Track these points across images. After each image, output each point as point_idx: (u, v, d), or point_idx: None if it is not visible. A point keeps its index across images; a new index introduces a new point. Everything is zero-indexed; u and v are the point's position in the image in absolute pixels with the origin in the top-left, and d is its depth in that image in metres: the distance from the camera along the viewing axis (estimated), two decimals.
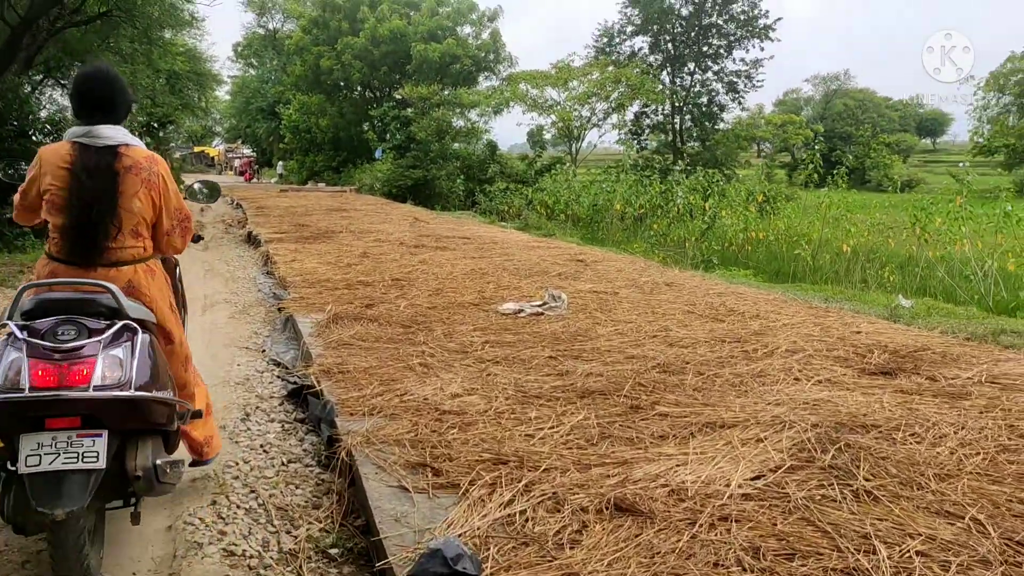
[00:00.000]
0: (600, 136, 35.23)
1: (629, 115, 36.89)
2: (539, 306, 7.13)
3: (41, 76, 25.91)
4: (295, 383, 5.40)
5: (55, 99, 30.26)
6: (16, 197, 3.27)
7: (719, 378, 4.88)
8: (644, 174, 24.30)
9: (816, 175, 19.33)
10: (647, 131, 37.84)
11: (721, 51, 37.33)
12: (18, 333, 2.65)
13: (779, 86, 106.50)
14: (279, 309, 8.17)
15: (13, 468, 2.58)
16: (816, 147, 20.81)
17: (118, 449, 2.78)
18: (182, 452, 3.43)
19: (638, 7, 37.47)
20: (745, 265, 15.89)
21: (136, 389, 2.70)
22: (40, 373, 2.57)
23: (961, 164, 42.30)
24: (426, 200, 29.43)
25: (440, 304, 7.50)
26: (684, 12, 37.51)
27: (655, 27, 37.72)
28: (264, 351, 6.77)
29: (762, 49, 36.91)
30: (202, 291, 9.96)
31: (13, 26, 15.47)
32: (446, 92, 33.57)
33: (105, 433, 2.64)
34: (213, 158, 68.17)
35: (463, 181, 31.33)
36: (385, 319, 6.74)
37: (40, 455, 2.53)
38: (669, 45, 38.00)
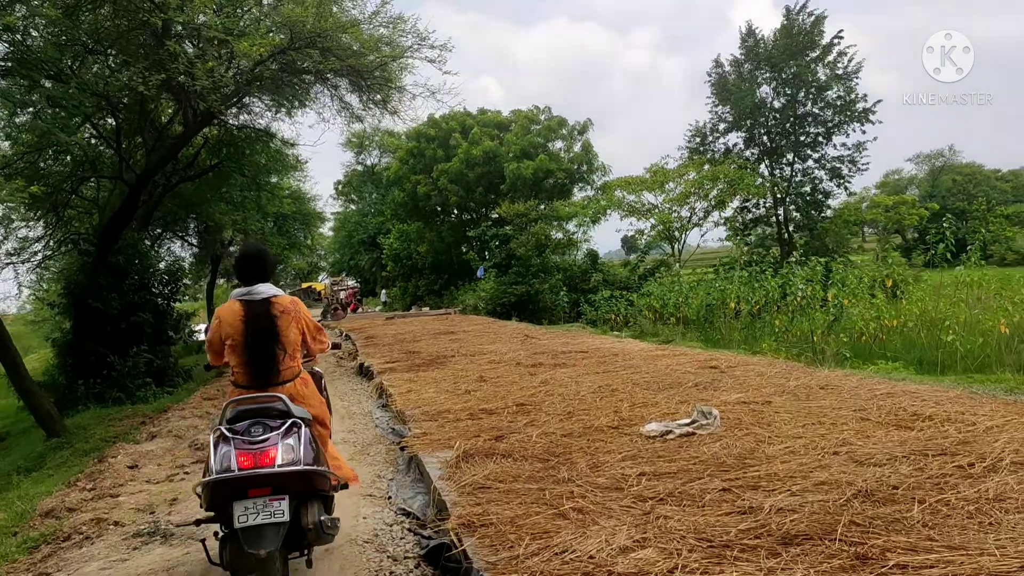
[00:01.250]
0: (702, 235, 34.45)
1: (728, 212, 36.09)
2: (688, 425, 6.32)
3: (160, 230, 27.25)
4: (431, 539, 4.71)
5: (172, 251, 31.83)
6: (208, 350, 4.70)
7: (947, 506, 3.96)
8: (755, 269, 23.34)
9: (949, 253, 18.00)
10: (751, 226, 36.85)
11: (820, 138, 36.42)
12: (227, 433, 4.01)
13: (878, 167, 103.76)
14: (400, 447, 7.60)
15: (227, 529, 3.96)
16: (945, 223, 19.50)
17: (295, 509, 4.07)
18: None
19: (728, 104, 37.19)
20: (883, 356, 14.63)
21: (304, 465, 4.03)
22: (243, 459, 3.88)
23: None
24: (531, 315, 29.07)
25: (575, 430, 6.78)
26: (777, 104, 36.97)
27: (748, 122, 37.26)
28: (390, 498, 6.16)
29: (864, 132, 35.81)
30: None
31: (131, 185, 16.11)
32: (542, 207, 33.65)
33: (287, 497, 3.94)
34: (320, 292, 70.37)
35: (566, 293, 30.94)
36: (519, 453, 6.05)
37: (247, 515, 3.83)
38: (764, 138, 37.33)
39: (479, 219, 41.90)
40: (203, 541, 4.38)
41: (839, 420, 6.33)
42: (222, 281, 40.29)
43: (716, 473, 4.98)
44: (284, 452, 3.98)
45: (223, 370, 4.55)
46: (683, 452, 5.65)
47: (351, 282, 62.28)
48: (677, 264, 32.33)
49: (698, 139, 39.01)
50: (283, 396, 4.27)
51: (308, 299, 67.72)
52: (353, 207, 63.27)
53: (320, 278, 75.74)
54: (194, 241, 31.99)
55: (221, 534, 4.07)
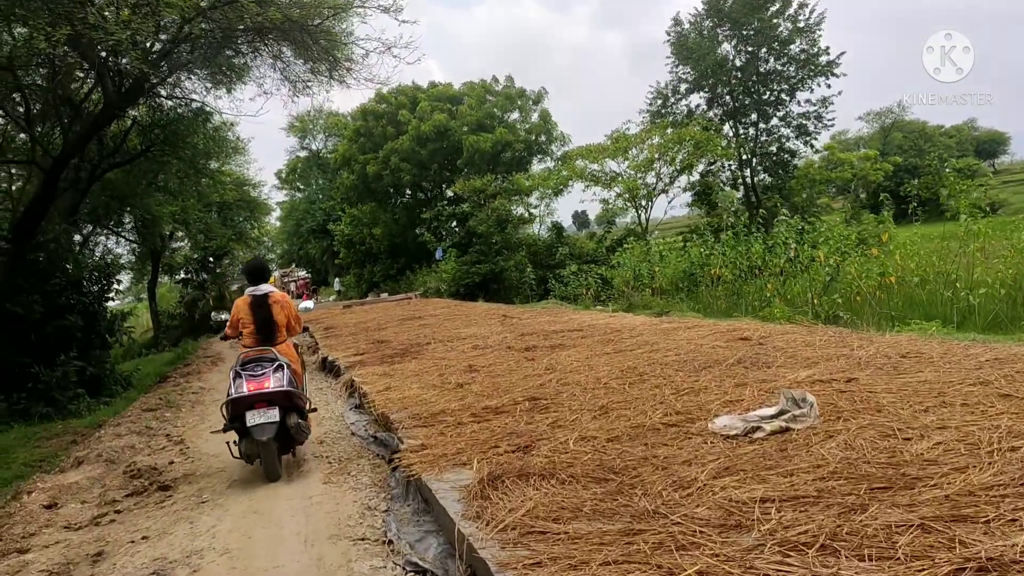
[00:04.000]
0: (670, 202, 33.18)
1: (695, 176, 34.86)
2: (777, 417, 4.81)
3: (91, 225, 24.95)
4: None
5: (109, 248, 29.47)
6: (228, 327, 7.51)
7: None
8: (737, 231, 22.09)
9: (920, 210, 16.89)
10: (718, 189, 35.63)
11: (783, 96, 35.15)
12: (240, 371, 6.71)
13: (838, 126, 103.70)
14: (391, 465, 5.99)
15: (245, 428, 6.45)
16: (917, 180, 18.33)
17: (282, 416, 6.56)
18: None
19: (689, 63, 35.73)
20: (885, 315, 13.46)
21: (287, 388, 6.61)
22: (250, 385, 6.52)
23: None
24: (497, 294, 27.55)
25: (622, 431, 5.23)
26: (739, 63, 35.60)
27: (710, 81, 35.86)
28: (390, 543, 4.55)
29: (828, 87, 34.65)
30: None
31: (47, 171, 14.08)
32: (500, 181, 31.98)
33: (277, 408, 6.50)
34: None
35: (532, 269, 29.44)
36: (564, 470, 4.48)
37: (254, 418, 6.37)
38: (728, 97, 35.97)
39: (434, 198, 40.09)
40: (228, 443, 7.01)
41: (970, 399, 4.88)
42: (165, 279, 37.88)
43: (875, 493, 3.45)
44: (275, 381, 6.60)
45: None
46: (794, 458, 4.13)
47: (302, 272, 60.10)
48: (654, 233, 30.99)
49: (659, 101, 37.55)
50: (274, 350, 7.00)
51: None
52: (299, 195, 60.84)
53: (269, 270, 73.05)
54: (132, 237, 29.69)
55: (237, 438, 6.72)
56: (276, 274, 69.92)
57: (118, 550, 5.48)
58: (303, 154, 59.78)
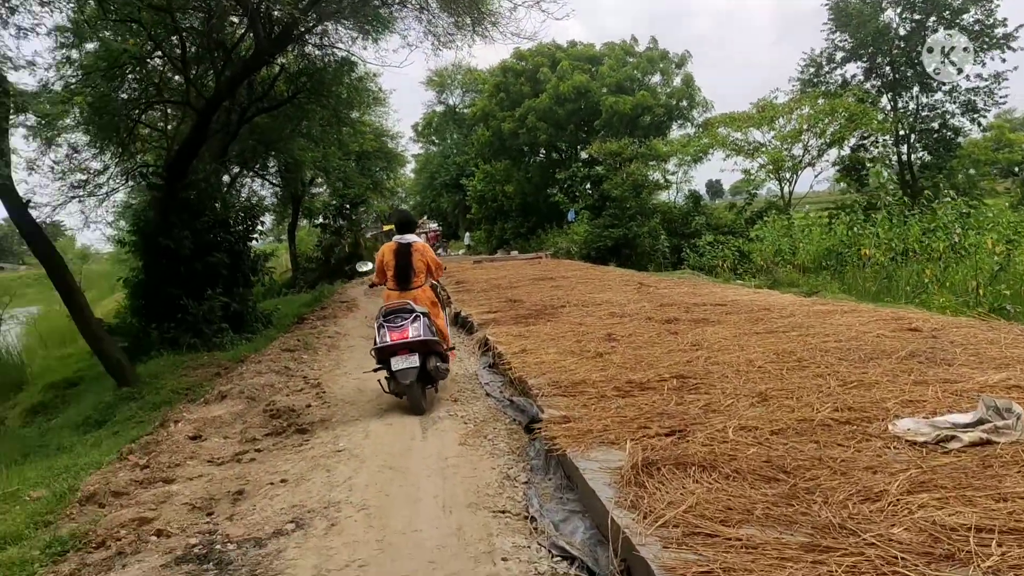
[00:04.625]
0: (816, 176, 31.48)
1: (846, 150, 32.89)
2: (975, 427, 4.25)
3: (238, 168, 25.91)
4: None
5: (254, 191, 30.62)
6: (376, 272, 8.40)
7: None
8: (892, 209, 20.72)
9: None
10: (868, 166, 33.47)
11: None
12: (383, 322, 7.46)
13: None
14: (529, 433, 5.76)
15: (391, 371, 7.26)
16: None
17: (423, 361, 7.30)
18: None
19: (848, 30, 33.51)
20: None
21: (424, 337, 7.34)
22: (393, 335, 7.30)
23: None
24: (628, 260, 26.96)
25: (787, 423, 4.79)
26: (902, 31, 33.13)
27: (869, 50, 33.52)
28: (533, 520, 4.31)
29: (1003, 60, 31.73)
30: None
31: (200, 112, 14.52)
32: (637, 145, 31.13)
33: (418, 354, 7.24)
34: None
35: (666, 237, 28.66)
36: (726, 463, 4.11)
37: (398, 363, 7.19)
38: (888, 68, 33.57)
39: (569, 159, 39.56)
40: (379, 380, 7.80)
41: None
42: (304, 223, 39.13)
43: None
44: (413, 331, 7.34)
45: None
46: (1005, 479, 3.60)
47: (433, 225, 61.03)
48: (803, 207, 29.51)
49: (812, 69, 35.43)
50: (410, 301, 7.72)
51: (388, 241, 66.66)
52: (434, 148, 61.50)
53: None
54: (275, 181, 30.70)
55: (386, 376, 7.48)
56: None
57: (258, 491, 5.50)
58: (440, 109, 60.26)
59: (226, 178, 23.26)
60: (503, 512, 4.52)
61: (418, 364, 7.20)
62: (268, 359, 11.33)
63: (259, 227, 18.28)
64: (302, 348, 12.10)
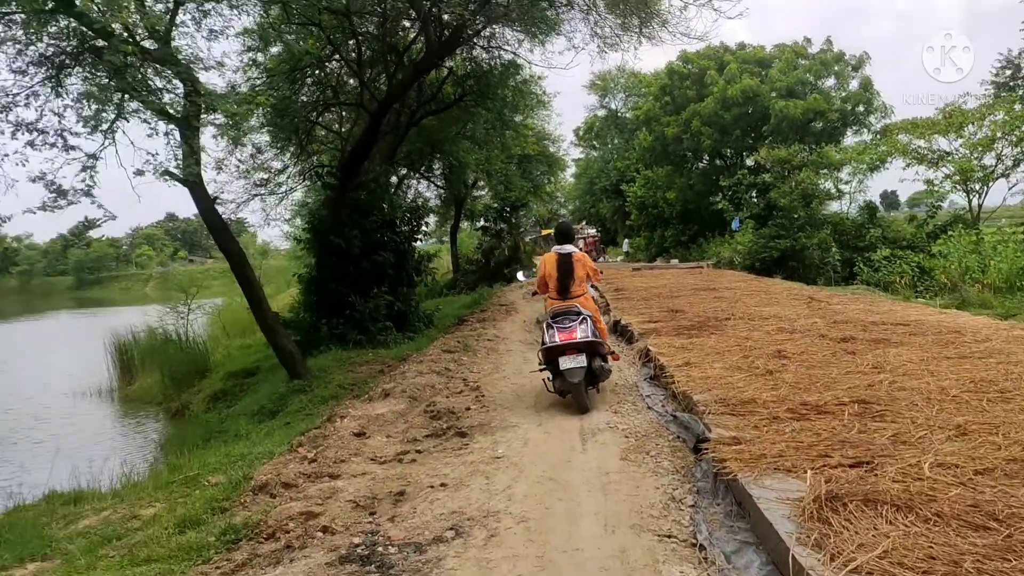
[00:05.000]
0: (1010, 188, 28.83)
1: None
2: None
3: (405, 169, 26.76)
4: None
5: (419, 191, 31.52)
6: (536, 283, 8.69)
7: None
8: None
9: None
10: None
11: None
12: (551, 322, 7.87)
13: None
14: (695, 452, 5.49)
15: (557, 370, 7.68)
16: None
17: (588, 361, 7.60)
18: None
19: None
20: None
21: (591, 338, 7.68)
22: (561, 336, 7.65)
23: None
24: (795, 272, 25.76)
25: (991, 463, 4.29)
26: None
27: None
28: (702, 548, 4.06)
29: None
30: (577, 409, 7.66)
31: (372, 113, 15.05)
32: (807, 152, 29.66)
33: (584, 354, 7.59)
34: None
35: (837, 250, 27.16)
36: (923, 505, 3.71)
37: (566, 362, 7.55)
38: None
39: (734, 166, 38.35)
40: (543, 380, 8.22)
41: None
42: (465, 224, 39.96)
43: None
44: (580, 332, 7.65)
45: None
46: None
47: (591, 230, 61.01)
48: (1000, 221, 27.17)
49: (1008, 72, 32.72)
50: (578, 304, 8.00)
51: (547, 246, 67.25)
52: (595, 153, 61.32)
53: None
54: (439, 183, 31.47)
55: (551, 376, 7.97)
56: None
57: (418, 493, 5.53)
58: (601, 113, 59.96)
59: (393, 179, 24.05)
60: (669, 536, 4.29)
61: (585, 364, 7.55)
62: (429, 359, 11.54)
63: (423, 228, 18.75)
64: (462, 350, 12.24)
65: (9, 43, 9.90)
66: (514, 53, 16.94)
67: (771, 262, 26.78)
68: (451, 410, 7.91)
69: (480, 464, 6.09)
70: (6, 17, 9.70)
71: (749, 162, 37.20)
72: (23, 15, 9.20)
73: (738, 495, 4.48)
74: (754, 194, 32.42)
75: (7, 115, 10.09)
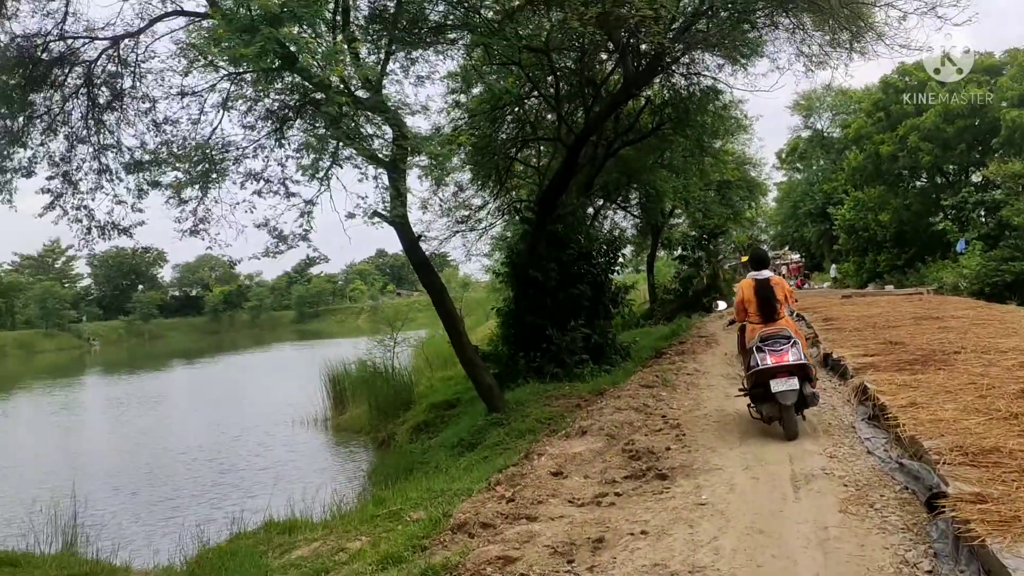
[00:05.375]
0: None
1: None
2: None
3: (601, 200, 26.70)
4: None
5: (615, 222, 31.36)
6: (735, 311, 8.73)
7: None
8: None
9: None
10: None
11: None
12: (760, 346, 7.83)
13: None
14: (930, 508, 4.87)
15: (766, 395, 7.68)
16: None
17: (800, 385, 7.52)
18: None
19: None
20: None
21: (804, 360, 7.74)
22: (773, 359, 7.64)
23: None
24: None
25: None
26: None
27: None
28: None
29: None
30: (786, 451, 7.13)
31: (569, 147, 15.13)
32: None
33: (796, 377, 7.53)
34: None
35: None
36: None
37: (778, 385, 7.49)
38: None
39: (956, 183, 35.31)
40: (748, 406, 8.36)
41: None
42: (662, 253, 39.31)
43: None
44: (793, 355, 7.67)
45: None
46: None
47: (794, 256, 58.38)
48: None
49: None
50: (787, 327, 8.03)
51: (745, 273, 64.76)
52: (798, 176, 58.65)
53: None
54: (636, 212, 31.17)
55: (752, 404, 8.19)
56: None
57: (618, 540, 5.29)
58: (806, 134, 57.27)
59: (590, 210, 24.06)
60: None
61: (798, 387, 7.52)
62: (627, 394, 11.26)
63: (620, 259, 18.58)
64: (661, 384, 11.87)
65: (240, 100, 10.84)
66: (714, 78, 16.49)
67: (1003, 287, 24.38)
68: (650, 449, 7.61)
69: (683, 511, 5.76)
70: (238, 77, 10.61)
71: (975, 178, 34.28)
72: (253, 74, 9.97)
73: (987, 563, 3.89)
74: (982, 213, 29.89)
75: (238, 167, 11.04)
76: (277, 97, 10.85)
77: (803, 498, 5.80)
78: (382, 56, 11.37)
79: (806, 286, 44.91)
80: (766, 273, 8.50)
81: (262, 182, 11.08)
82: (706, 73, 16.43)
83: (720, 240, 35.46)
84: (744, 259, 69.13)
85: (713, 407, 9.92)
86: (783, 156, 59.86)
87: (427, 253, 14.59)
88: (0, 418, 31.59)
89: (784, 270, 49.53)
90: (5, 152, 11.88)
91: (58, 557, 8.60)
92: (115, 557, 9.39)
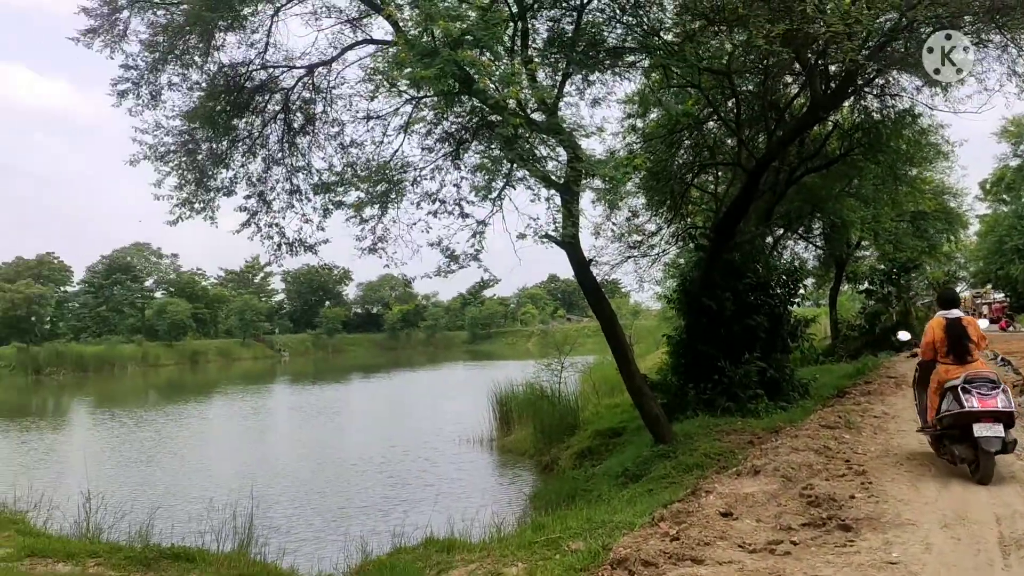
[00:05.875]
0: None
1: None
2: None
3: (782, 229, 25.53)
4: None
5: (796, 252, 29.92)
6: (922, 348, 8.63)
7: None
8: None
9: None
10: None
11: None
12: (967, 387, 7.66)
13: None
14: None
15: (964, 437, 7.61)
16: None
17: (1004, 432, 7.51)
18: None
19: None
20: None
21: (1012, 408, 7.61)
22: (981, 402, 7.50)
23: None
24: None
25: None
26: None
27: None
28: None
29: None
30: (991, 509, 6.34)
31: (749, 172, 14.52)
32: None
33: (1002, 424, 7.47)
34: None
35: None
36: None
37: (983, 430, 7.37)
38: None
39: None
40: (929, 442, 8.64)
41: None
42: (846, 287, 37.10)
43: None
44: (1002, 401, 7.56)
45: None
46: None
47: (997, 295, 53.55)
48: None
49: None
50: (993, 371, 8.28)
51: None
52: (1005, 208, 53.94)
53: (957, 289, 66.63)
54: (818, 243, 29.61)
55: (938, 442, 8.27)
56: (966, 293, 63.89)
57: None
58: (1014, 163, 52.65)
59: (769, 240, 23.06)
60: None
61: (1003, 434, 7.45)
62: (805, 434, 10.52)
63: (800, 291, 17.63)
64: (843, 426, 11.01)
65: (421, 123, 11.16)
66: (912, 100, 15.33)
67: None
68: (832, 496, 6.99)
69: (870, 568, 5.21)
70: (419, 101, 10.93)
71: None
72: (433, 98, 10.23)
73: None
74: None
75: (416, 187, 11.35)
76: (455, 120, 11.09)
77: (1014, 564, 5.13)
78: (558, 78, 11.37)
79: (1011, 328, 40.96)
80: (956, 313, 8.53)
81: (438, 203, 11.33)
82: (902, 94, 15.33)
83: (913, 275, 33.07)
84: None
85: (905, 455, 9.06)
86: (988, 187, 55.44)
87: (598, 279, 14.40)
88: (198, 420, 34.16)
89: (986, 309, 45.59)
90: (211, 172, 12.77)
91: (230, 556, 8.99)
92: (282, 560, 9.74)
